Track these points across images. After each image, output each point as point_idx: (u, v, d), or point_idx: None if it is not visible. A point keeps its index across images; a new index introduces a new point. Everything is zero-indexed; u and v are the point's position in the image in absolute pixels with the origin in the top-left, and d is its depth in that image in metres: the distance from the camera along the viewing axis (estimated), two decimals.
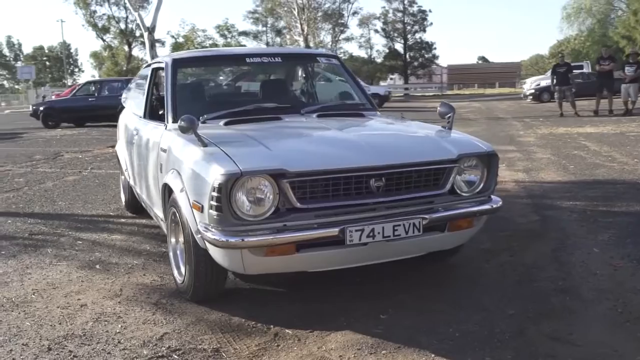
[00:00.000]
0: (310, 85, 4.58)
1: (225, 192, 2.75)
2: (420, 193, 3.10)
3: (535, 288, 3.36)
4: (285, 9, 47.38)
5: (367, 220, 2.93)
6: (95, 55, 64.73)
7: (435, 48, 53.87)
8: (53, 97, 23.26)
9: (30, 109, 19.17)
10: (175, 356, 2.67)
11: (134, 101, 5.10)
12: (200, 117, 3.74)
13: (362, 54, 59.26)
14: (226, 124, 3.66)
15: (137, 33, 61.13)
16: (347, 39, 55.19)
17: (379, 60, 56.68)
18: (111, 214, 5.58)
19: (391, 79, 60.54)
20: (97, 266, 3.95)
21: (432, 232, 3.16)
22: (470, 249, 4.06)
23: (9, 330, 2.96)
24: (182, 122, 3.13)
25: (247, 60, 4.43)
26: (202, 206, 2.87)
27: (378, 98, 28.99)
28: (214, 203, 2.78)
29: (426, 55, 53.55)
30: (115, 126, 6.06)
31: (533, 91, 25.89)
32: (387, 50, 54.91)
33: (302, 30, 44.62)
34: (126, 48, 59.17)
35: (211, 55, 4.89)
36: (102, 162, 9.45)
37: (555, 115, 16.11)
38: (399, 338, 2.75)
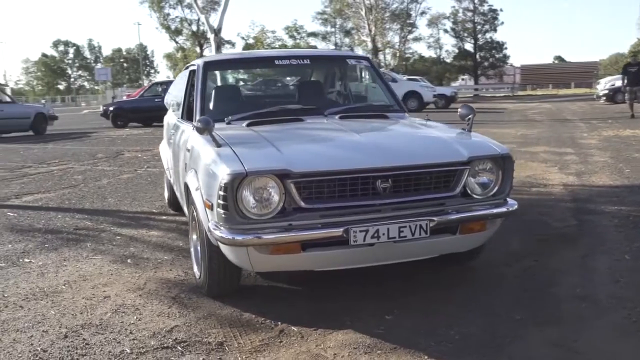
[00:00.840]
0: (339, 86, 4.62)
1: (232, 191, 2.84)
2: (429, 195, 3.09)
3: (552, 294, 3.28)
4: (353, 9, 47.43)
5: (372, 221, 2.95)
6: (169, 57, 66.84)
7: (506, 48, 52.84)
8: (124, 98, 24.17)
9: (101, 109, 20.01)
10: (180, 348, 2.77)
11: (174, 102, 5.28)
12: (225, 118, 3.87)
13: (431, 54, 58.68)
14: (248, 125, 3.75)
15: (209, 35, 62.83)
16: (416, 39, 54.78)
17: (448, 61, 55.97)
18: (154, 211, 5.79)
19: (462, 79, 59.70)
20: (129, 260, 4.13)
21: (442, 235, 3.14)
22: (496, 252, 4.01)
23: (34, 318, 3.15)
24: (199, 123, 3.24)
25: (276, 62, 4.52)
26: (212, 204, 2.96)
27: (444, 99, 28.64)
28: (220, 202, 2.87)
29: (497, 55, 52.53)
30: None
31: (607, 92, 24.91)
32: (456, 51, 54.20)
33: (370, 30, 44.58)
34: (198, 49, 60.63)
35: (241, 58, 5.02)
36: (159, 161, 9.72)
37: (625, 117, 15.50)
38: (397, 339, 2.76)
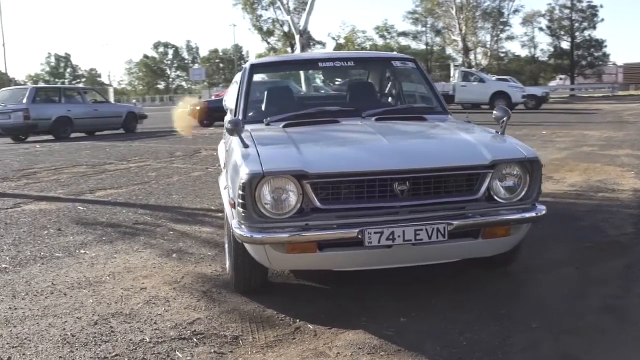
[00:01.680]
0: (382, 88, 4.62)
1: (250, 190, 2.93)
2: (449, 198, 3.06)
3: (581, 304, 3.17)
4: (443, 8, 46.69)
5: (388, 223, 2.95)
6: (260, 57, 68.24)
7: (605, 46, 50.24)
8: (212, 97, 24.97)
9: (188, 108, 20.80)
10: (195, 339, 2.89)
11: (229, 103, 5.47)
12: (265, 119, 3.99)
13: (525, 53, 56.81)
14: (285, 126, 3.84)
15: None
16: (509, 38, 53.19)
17: (543, 60, 54.00)
18: (212, 208, 6.00)
19: (560, 79, 57.44)
20: (174, 255, 4.32)
21: (464, 239, 3.11)
22: (537, 258, 3.92)
23: (73, 305, 3.38)
24: (229, 124, 3.36)
25: (320, 64, 4.59)
26: (235, 203, 3.08)
27: (534, 100, 27.71)
28: (240, 200, 2.97)
29: (595, 54, 50.15)
30: None
31: None
32: (552, 49, 52.19)
33: (460, 30, 43.74)
34: (289, 50, 61.58)
35: (286, 60, 5.12)
36: None
37: None
38: (404, 341, 2.76)
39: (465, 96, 26.00)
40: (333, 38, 64.30)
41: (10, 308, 3.36)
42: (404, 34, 60.49)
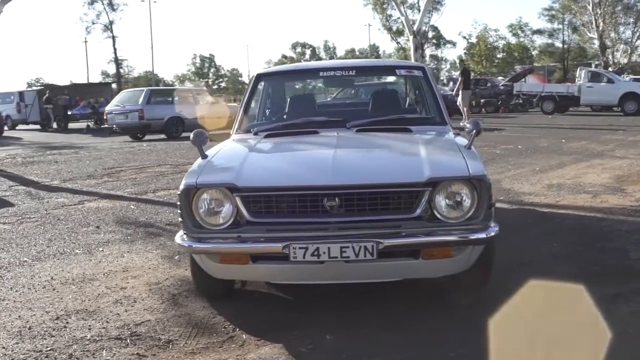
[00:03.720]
0: (383, 97, 4.55)
1: (185, 201, 3.07)
2: (382, 216, 3.00)
3: (524, 335, 2.96)
4: (580, 4, 44.03)
5: (316, 238, 2.95)
6: (389, 57, 68.13)
7: None
8: None
9: None
10: (129, 340, 3.07)
11: None
12: (252, 129, 4.10)
13: None
14: (266, 136, 3.93)
15: (430, 35, 62.90)
16: None
17: None
18: None
19: None
20: (177, 257, 4.54)
21: (403, 258, 3.03)
22: (510, 282, 3.68)
23: (52, 300, 3.69)
24: (192, 135, 3.51)
25: (320, 74, 4.61)
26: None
27: None
28: (178, 210, 3.12)
29: None
30: None
31: None
32: None
33: (597, 26, 41.06)
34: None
35: (289, 70, 5.19)
36: None
37: None
38: (309, 359, 2.75)
39: (592, 98, 24.37)
40: (464, 37, 62.73)
41: None
42: (539, 32, 57.62)
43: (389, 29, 59.86)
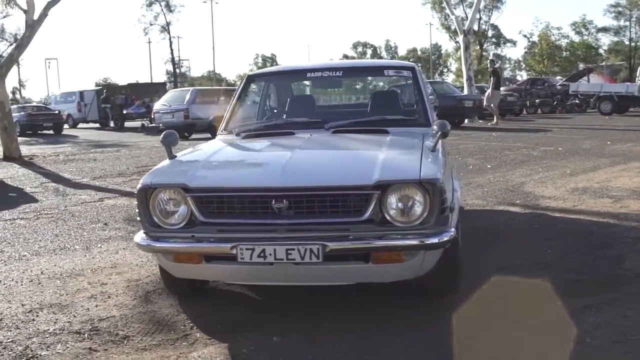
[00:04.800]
0: (368, 97, 4.51)
1: (141, 200, 3.15)
2: (329, 219, 2.98)
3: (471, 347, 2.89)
4: None
5: (262, 240, 2.96)
6: (448, 56, 67.13)
7: None
8: None
9: None
10: (86, 335, 3.16)
11: None
12: (234, 130, 4.16)
13: None
14: (244, 137, 3.98)
15: (490, 33, 61.73)
16: None
17: None
18: None
19: None
20: None
21: (354, 262, 3.00)
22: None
23: (33, 293, 3.84)
24: (161, 136, 3.58)
25: (308, 75, 4.61)
26: None
27: None
28: (136, 209, 3.19)
29: None
30: None
31: None
32: None
33: None
34: (478, 48, 59.53)
35: (278, 71, 5.19)
36: None
37: None
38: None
39: None
40: (524, 36, 61.25)
41: None
42: (604, 29, 55.58)
43: (447, 28, 59.01)
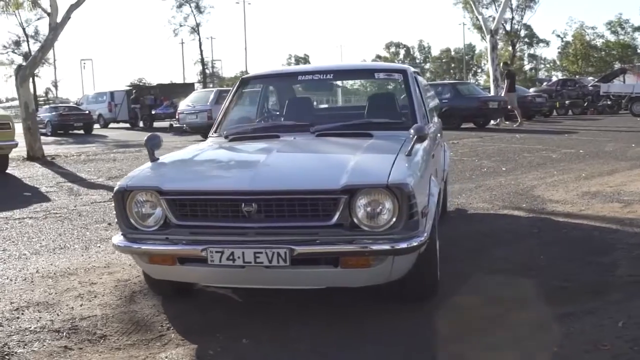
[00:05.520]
0: (358, 100, 4.51)
1: (117, 202, 3.21)
2: (297, 223, 2.99)
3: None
4: None
5: (232, 243, 2.99)
6: (481, 57, 66.39)
7: None
8: None
9: None
10: (64, 333, 3.24)
11: None
12: (222, 132, 4.21)
13: None
14: (231, 140, 4.03)
15: (522, 33, 60.81)
16: None
17: None
18: None
19: None
20: None
21: (323, 266, 3.02)
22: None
23: (24, 291, 3.95)
24: (145, 139, 3.64)
25: (299, 77, 4.63)
26: None
27: None
28: (115, 212, 3.26)
29: None
30: None
31: None
32: None
33: None
34: (510, 48, 58.70)
35: (271, 74, 5.22)
36: None
37: None
38: None
39: None
40: (558, 35, 60.25)
41: None
42: None
43: (479, 28, 58.25)
